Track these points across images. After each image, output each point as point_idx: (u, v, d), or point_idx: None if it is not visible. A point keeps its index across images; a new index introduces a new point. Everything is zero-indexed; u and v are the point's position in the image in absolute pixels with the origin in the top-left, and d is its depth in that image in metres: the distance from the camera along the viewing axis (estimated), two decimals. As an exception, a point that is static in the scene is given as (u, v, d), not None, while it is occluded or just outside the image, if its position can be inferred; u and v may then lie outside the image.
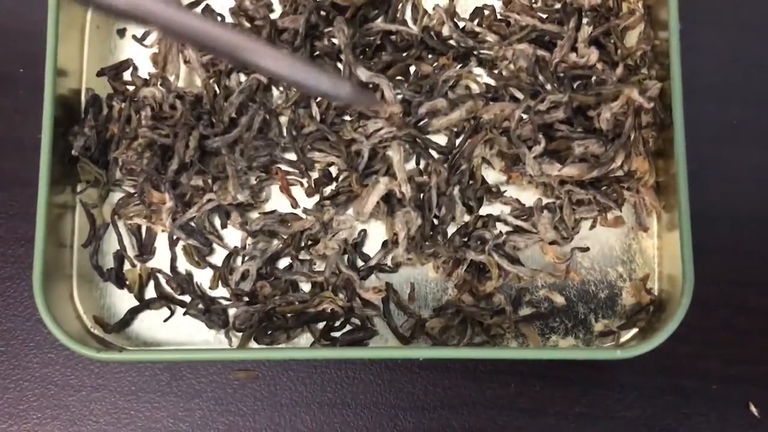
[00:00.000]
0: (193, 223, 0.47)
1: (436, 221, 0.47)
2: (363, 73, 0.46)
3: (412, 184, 0.46)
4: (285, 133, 0.48)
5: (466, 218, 0.47)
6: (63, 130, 0.46)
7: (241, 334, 0.46)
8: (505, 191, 0.47)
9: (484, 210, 0.47)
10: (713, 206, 0.48)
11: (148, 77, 0.49)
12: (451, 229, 0.47)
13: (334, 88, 0.33)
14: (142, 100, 0.47)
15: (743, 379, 0.47)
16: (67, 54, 0.47)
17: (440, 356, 0.45)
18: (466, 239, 0.46)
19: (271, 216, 0.47)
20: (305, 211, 0.47)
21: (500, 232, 0.46)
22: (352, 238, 0.47)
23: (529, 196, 0.47)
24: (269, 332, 0.45)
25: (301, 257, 0.47)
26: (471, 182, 0.47)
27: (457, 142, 0.47)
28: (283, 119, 0.48)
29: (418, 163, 0.47)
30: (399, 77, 0.48)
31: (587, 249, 0.47)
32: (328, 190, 0.48)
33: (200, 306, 0.46)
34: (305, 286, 0.47)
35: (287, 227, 0.46)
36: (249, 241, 0.47)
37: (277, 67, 0.32)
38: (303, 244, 0.47)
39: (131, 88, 0.49)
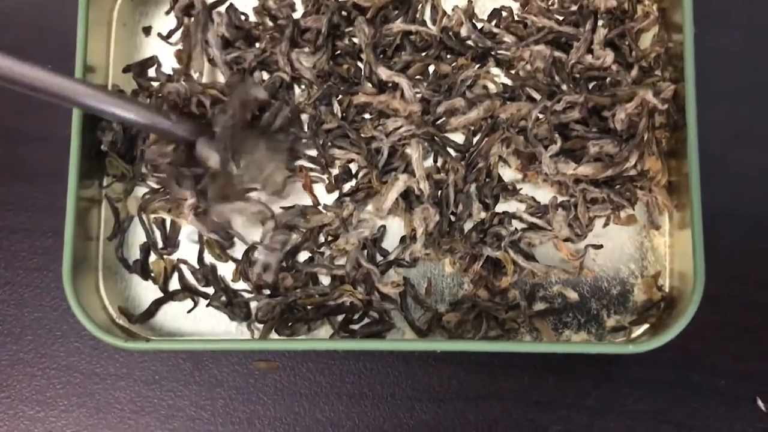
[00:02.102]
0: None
1: (453, 218, 0.48)
2: (383, 72, 0.47)
3: (430, 182, 0.47)
4: (306, 129, 0.49)
5: (483, 215, 0.48)
6: (90, 126, 0.47)
7: (262, 326, 0.47)
8: (520, 189, 0.48)
9: (500, 207, 0.48)
10: (724, 206, 0.49)
11: (171, 73, 0.50)
12: (468, 226, 0.48)
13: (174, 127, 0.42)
14: (166, 96, 0.49)
15: (751, 374, 0.48)
16: (94, 51, 0.48)
17: (456, 349, 0.46)
18: (482, 236, 0.47)
19: (292, 211, 0.48)
20: (325, 207, 0.48)
21: (516, 228, 0.48)
22: (371, 234, 0.48)
23: (544, 194, 0.48)
24: (290, 324, 0.47)
25: (321, 250, 0.48)
26: (487, 180, 0.48)
27: (474, 140, 0.48)
28: (305, 116, 0.49)
29: (435, 161, 0.49)
30: (418, 76, 0.49)
31: (601, 246, 0.48)
32: (347, 186, 0.49)
33: (223, 298, 0.48)
34: (325, 279, 0.48)
35: (306, 221, 0.47)
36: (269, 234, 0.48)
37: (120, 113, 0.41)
38: (323, 240, 0.48)
39: (155, 84, 0.50)
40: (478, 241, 0.47)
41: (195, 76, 0.50)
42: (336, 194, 0.49)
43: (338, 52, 0.50)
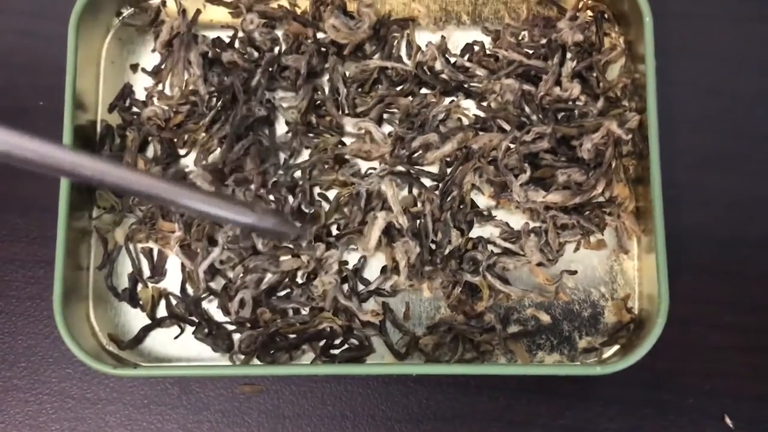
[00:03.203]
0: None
1: (433, 246, 0.49)
2: (349, 123, 0.50)
3: (408, 216, 0.49)
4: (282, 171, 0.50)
5: (458, 241, 0.49)
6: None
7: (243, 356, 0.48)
8: (495, 216, 0.50)
9: (476, 232, 0.50)
10: (691, 229, 0.51)
11: (144, 92, 0.52)
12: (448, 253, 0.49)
13: (244, 217, 0.40)
14: (146, 121, 0.51)
15: (718, 392, 0.49)
16: (84, 88, 0.50)
17: (433, 372, 0.48)
18: (459, 261, 0.49)
19: (261, 257, 0.49)
20: (295, 252, 0.49)
21: (491, 252, 0.49)
22: (352, 265, 0.50)
23: (517, 220, 0.50)
24: (272, 352, 0.48)
25: (298, 284, 0.49)
26: (461, 206, 0.50)
27: (449, 170, 0.50)
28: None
29: (410, 191, 0.50)
30: (394, 109, 0.51)
31: (575, 272, 0.50)
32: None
33: (206, 330, 0.49)
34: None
35: (277, 266, 0.49)
36: (241, 272, 0.49)
37: (193, 206, 0.38)
38: (301, 281, 0.49)
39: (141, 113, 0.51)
40: (456, 267, 0.49)
41: (174, 91, 0.51)
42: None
43: (318, 102, 0.51)
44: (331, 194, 0.51)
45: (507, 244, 0.50)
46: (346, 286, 0.49)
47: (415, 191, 0.50)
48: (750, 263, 0.51)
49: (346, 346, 0.49)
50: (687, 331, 0.50)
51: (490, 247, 0.50)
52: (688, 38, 0.53)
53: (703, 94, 0.53)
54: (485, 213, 0.50)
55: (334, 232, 0.50)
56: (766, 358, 0.50)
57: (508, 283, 0.49)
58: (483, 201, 0.51)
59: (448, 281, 0.48)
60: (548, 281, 0.49)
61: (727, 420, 0.49)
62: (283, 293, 0.50)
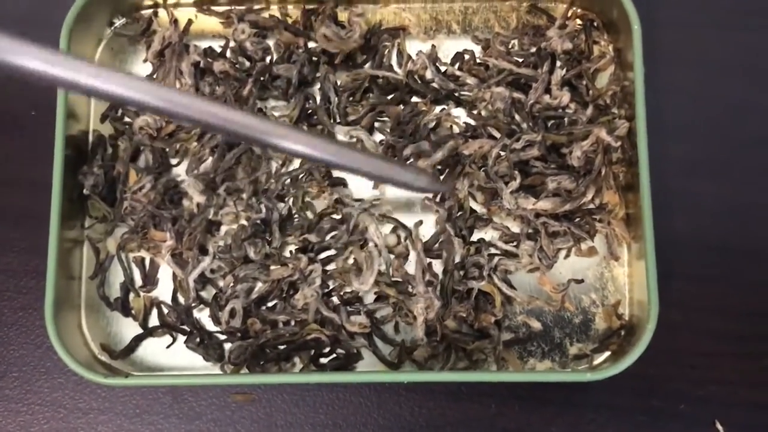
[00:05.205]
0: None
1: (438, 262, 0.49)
2: (340, 131, 0.50)
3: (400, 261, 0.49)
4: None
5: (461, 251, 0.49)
6: (72, 169, 0.49)
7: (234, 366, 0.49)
8: (494, 219, 0.50)
9: (476, 236, 0.50)
10: (682, 236, 0.51)
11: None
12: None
13: (415, 180, 0.37)
14: (139, 131, 0.51)
15: (709, 398, 0.49)
16: (76, 99, 0.50)
17: (425, 380, 0.48)
18: (463, 271, 0.49)
19: (251, 265, 0.49)
20: (283, 260, 0.49)
21: (493, 254, 0.49)
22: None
23: (517, 224, 0.50)
24: (261, 363, 0.48)
25: (285, 297, 0.49)
26: (461, 212, 0.50)
27: (441, 178, 0.51)
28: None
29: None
30: (385, 117, 0.51)
31: (582, 281, 0.50)
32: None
33: (197, 339, 0.49)
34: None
35: (267, 276, 0.49)
36: (231, 282, 0.49)
37: (357, 167, 0.35)
38: (284, 292, 0.49)
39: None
40: (460, 278, 0.49)
41: None
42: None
43: (309, 110, 0.52)
44: (318, 204, 0.51)
45: (508, 247, 0.50)
46: (335, 298, 0.49)
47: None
48: (741, 269, 0.51)
49: (334, 355, 0.49)
50: (678, 337, 0.50)
51: (491, 249, 0.50)
52: (677, 46, 0.54)
53: (692, 102, 0.53)
54: (485, 217, 0.50)
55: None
56: (758, 365, 0.50)
57: (513, 288, 0.49)
58: (479, 206, 0.51)
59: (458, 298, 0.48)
60: (555, 290, 0.49)
61: (718, 426, 0.49)
62: (272, 303, 0.50)
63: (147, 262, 0.51)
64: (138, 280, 0.51)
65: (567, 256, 0.50)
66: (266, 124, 0.33)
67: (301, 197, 0.50)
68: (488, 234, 0.50)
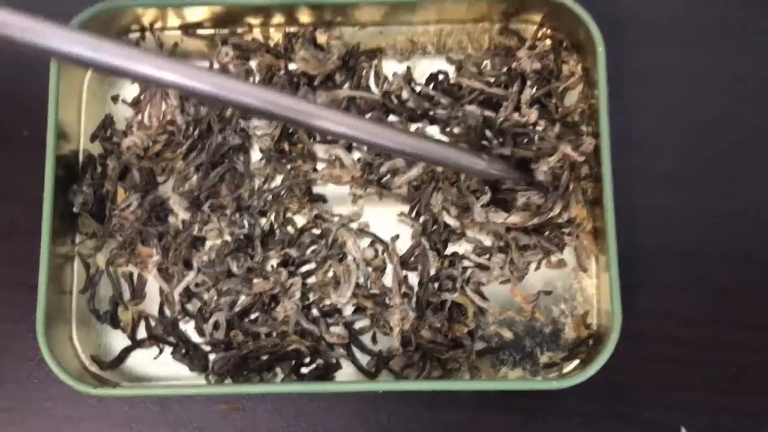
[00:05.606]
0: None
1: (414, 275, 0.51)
2: (320, 149, 0.52)
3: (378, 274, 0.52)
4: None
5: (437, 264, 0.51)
6: (63, 188, 0.51)
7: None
8: (467, 233, 0.52)
9: (449, 250, 0.52)
10: (648, 246, 0.53)
11: (125, 123, 0.54)
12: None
13: (489, 167, 0.44)
14: (126, 151, 0.53)
15: (674, 405, 0.51)
16: (67, 119, 0.52)
17: (401, 389, 0.50)
18: (438, 283, 0.51)
19: (234, 279, 0.51)
20: (265, 274, 0.51)
21: (465, 267, 0.52)
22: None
23: (489, 237, 0.52)
24: (244, 373, 0.51)
25: (266, 310, 0.52)
26: (435, 227, 0.52)
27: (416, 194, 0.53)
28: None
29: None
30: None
31: (551, 292, 0.52)
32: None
33: (183, 351, 0.51)
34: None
35: (249, 289, 0.51)
36: (215, 295, 0.51)
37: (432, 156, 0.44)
38: (266, 305, 0.51)
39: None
40: (434, 290, 0.51)
41: (153, 121, 0.54)
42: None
43: (290, 129, 0.54)
44: (299, 219, 0.53)
45: (480, 260, 0.52)
46: (315, 310, 0.51)
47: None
48: (705, 278, 0.53)
49: (314, 365, 0.51)
50: (644, 345, 0.52)
51: (465, 262, 0.52)
52: (643, 65, 0.55)
53: (658, 118, 0.55)
54: (458, 231, 0.52)
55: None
56: (721, 371, 0.52)
57: (486, 299, 0.51)
58: (453, 221, 0.53)
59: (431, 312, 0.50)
60: (525, 301, 0.51)
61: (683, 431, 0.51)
62: (254, 316, 0.52)
63: (135, 277, 0.53)
64: (126, 294, 0.53)
65: (537, 268, 0.52)
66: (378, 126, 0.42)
67: (282, 213, 0.53)
68: (462, 247, 0.52)
